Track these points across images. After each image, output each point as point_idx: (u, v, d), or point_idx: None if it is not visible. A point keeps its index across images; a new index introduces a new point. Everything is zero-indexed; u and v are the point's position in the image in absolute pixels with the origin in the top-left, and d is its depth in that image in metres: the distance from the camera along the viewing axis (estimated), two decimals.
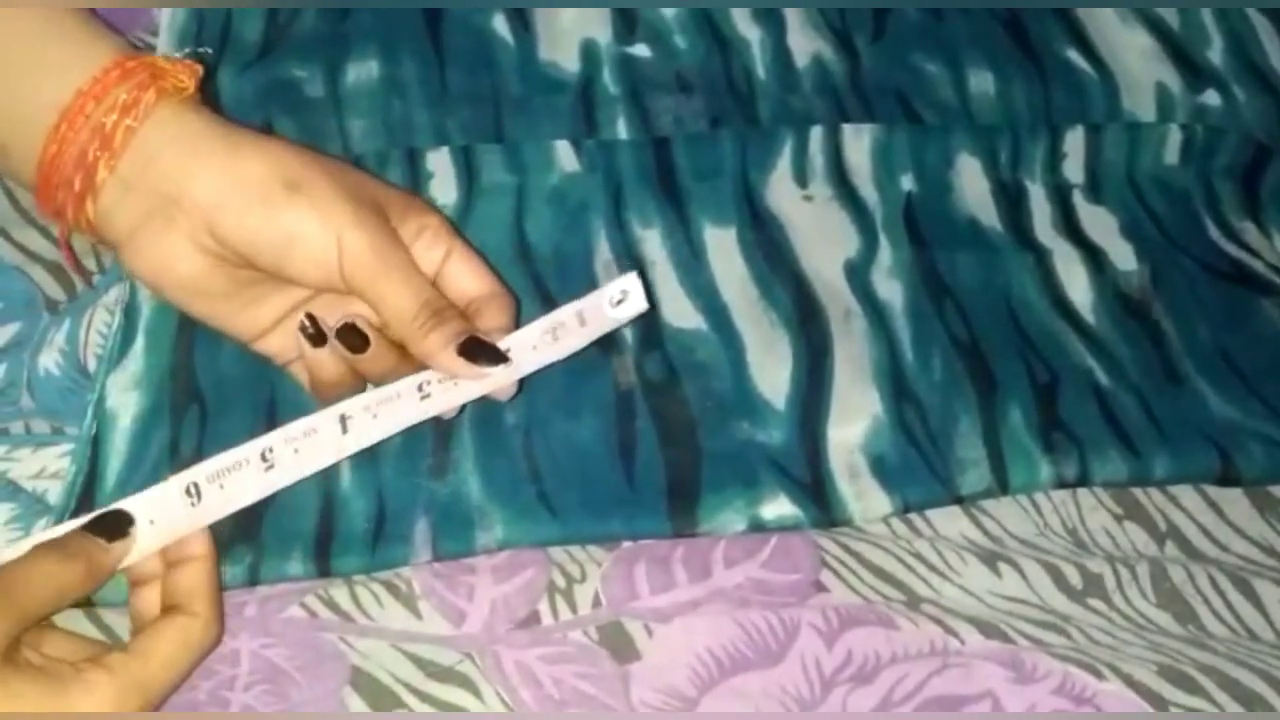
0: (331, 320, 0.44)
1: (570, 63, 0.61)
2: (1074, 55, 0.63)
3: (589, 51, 0.61)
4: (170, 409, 0.49)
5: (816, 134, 0.57)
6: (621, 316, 0.47)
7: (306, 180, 0.42)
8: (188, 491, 0.42)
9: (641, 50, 0.61)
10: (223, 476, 0.43)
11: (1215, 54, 0.64)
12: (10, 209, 0.54)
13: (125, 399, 0.49)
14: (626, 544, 0.48)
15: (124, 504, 0.42)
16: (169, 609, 0.41)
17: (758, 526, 0.48)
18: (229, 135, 0.43)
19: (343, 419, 0.44)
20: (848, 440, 0.50)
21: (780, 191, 0.57)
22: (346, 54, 0.60)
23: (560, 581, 0.46)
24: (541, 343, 0.46)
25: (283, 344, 0.47)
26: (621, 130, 0.58)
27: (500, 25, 0.62)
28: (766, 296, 0.53)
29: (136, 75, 0.43)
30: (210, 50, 0.52)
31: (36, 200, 0.45)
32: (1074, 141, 0.58)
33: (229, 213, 0.42)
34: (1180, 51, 0.64)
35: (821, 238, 0.55)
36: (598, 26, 0.62)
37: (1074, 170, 0.59)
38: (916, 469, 0.49)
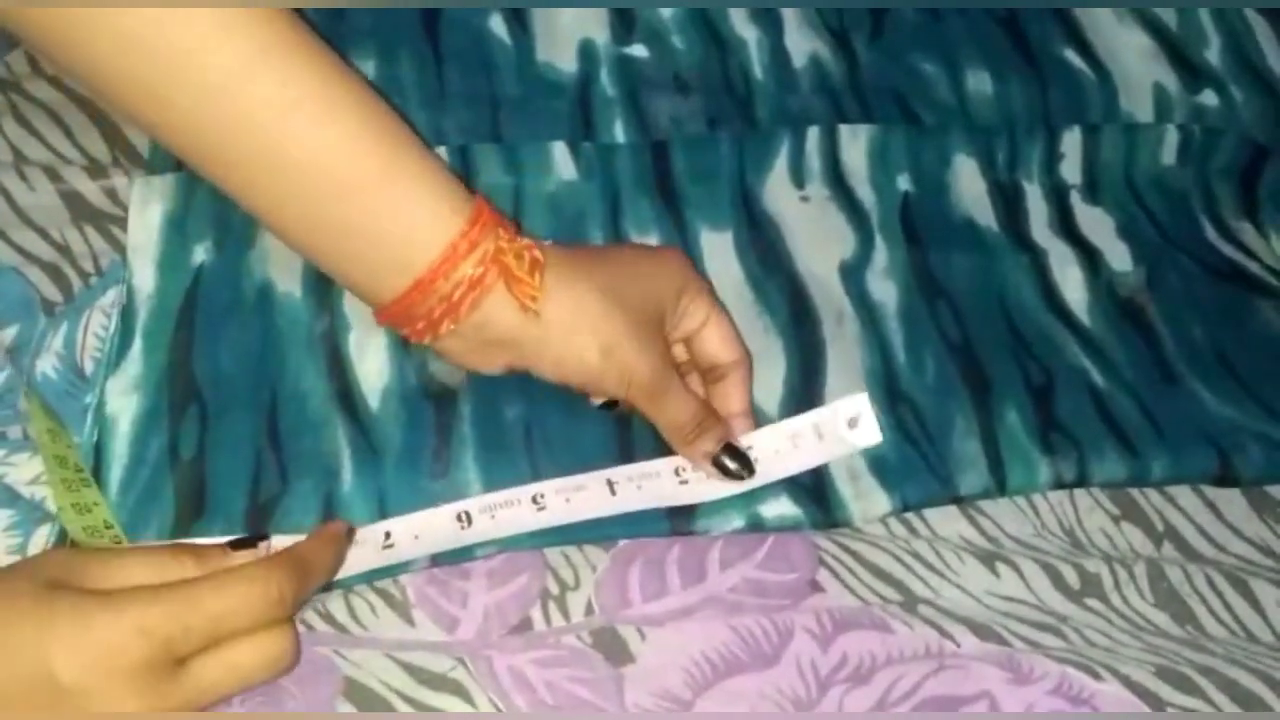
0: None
1: (568, 63, 0.61)
2: (1071, 55, 0.63)
3: (587, 52, 0.61)
4: (169, 411, 0.49)
5: (813, 134, 0.57)
6: (857, 443, 0.49)
7: (616, 346, 0.46)
8: (458, 517, 0.47)
9: (639, 50, 0.61)
10: (495, 509, 0.47)
11: (1213, 54, 0.64)
12: (8, 209, 0.54)
13: (124, 402, 0.49)
14: (623, 542, 0.48)
15: (392, 523, 0.46)
16: None
17: (757, 525, 0.48)
18: (558, 301, 0.46)
19: (610, 483, 0.48)
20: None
21: (777, 193, 0.57)
22: (344, 54, 0.59)
23: (554, 588, 0.46)
24: (784, 448, 0.49)
25: None
26: (619, 132, 0.58)
27: (497, 25, 0.61)
28: (761, 300, 0.53)
29: (481, 246, 0.46)
30: None
31: (375, 313, 0.48)
32: (1071, 142, 0.58)
33: (549, 368, 0.47)
34: (1178, 52, 0.64)
35: (817, 239, 0.55)
36: (595, 27, 0.62)
37: (1071, 171, 0.59)
38: (915, 467, 0.49)
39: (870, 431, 0.49)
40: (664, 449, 0.49)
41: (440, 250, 0.45)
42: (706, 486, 0.48)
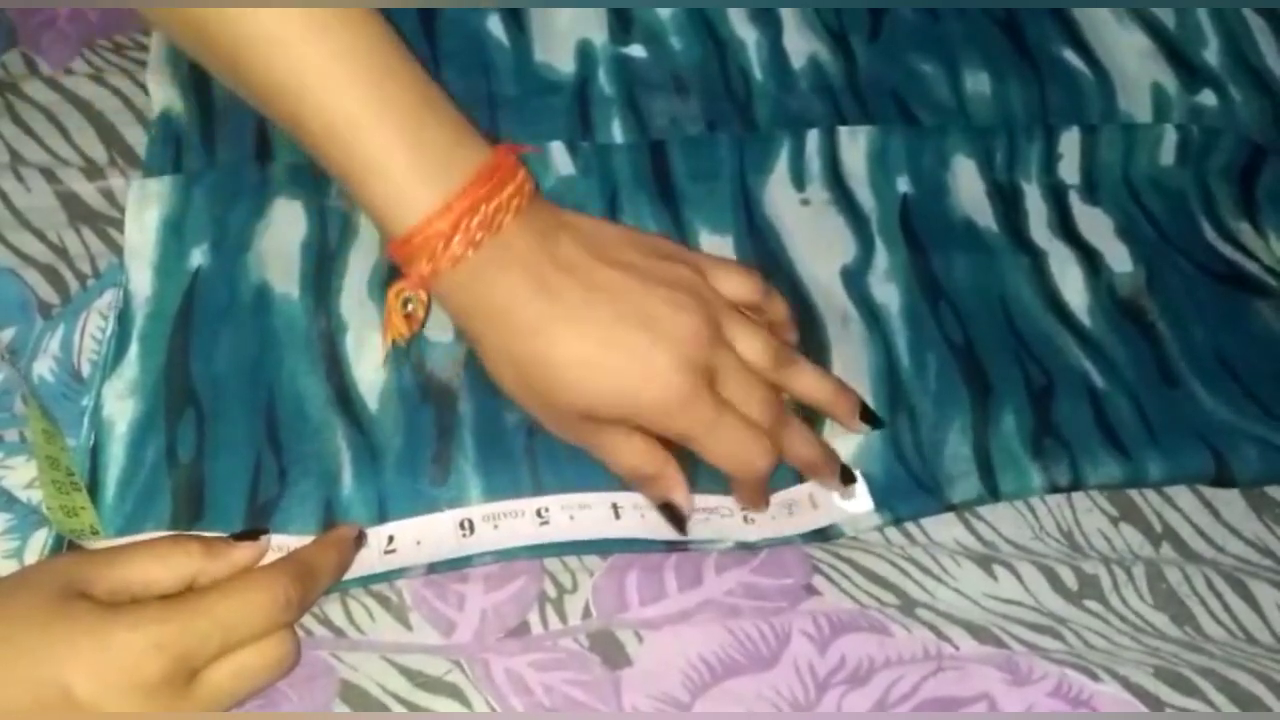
0: None
1: (565, 64, 0.61)
2: (1070, 55, 0.63)
3: (584, 52, 0.61)
4: (166, 414, 0.49)
5: (813, 137, 0.57)
6: (849, 510, 0.49)
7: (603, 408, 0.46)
8: (461, 525, 0.47)
9: (637, 51, 0.61)
10: (498, 519, 0.47)
11: (1211, 54, 0.63)
12: (4, 211, 0.54)
13: (121, 406, 0.49)
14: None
15: (394, 527, 0.46)
16: None
17: (748, 546, 0.48)
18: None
19: (615, 507, 0.48)
20: (839, 455, 0.49)
21: (777, 196, 0.57)
22: None
23: (551, 591, 0.46)
24: (779, 514, 0.49)
25: None
26: (617, 132, 0.58)
27: (495, 26, 0.61)
28: None
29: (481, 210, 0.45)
30: None
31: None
32: (1069, 142, 0.58)
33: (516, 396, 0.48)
34: (1176, 52, 0.63)
35: (818, 244, 0.55)
36: (593, 27, 0.62)
37: (1069, 171, 0.58)
38: (906, 486, 0.49)
39: (863, 500, 0.49)
40: None
41: (405, 231, 0.45)
42: (707, 526, 0.48)
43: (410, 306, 0.46)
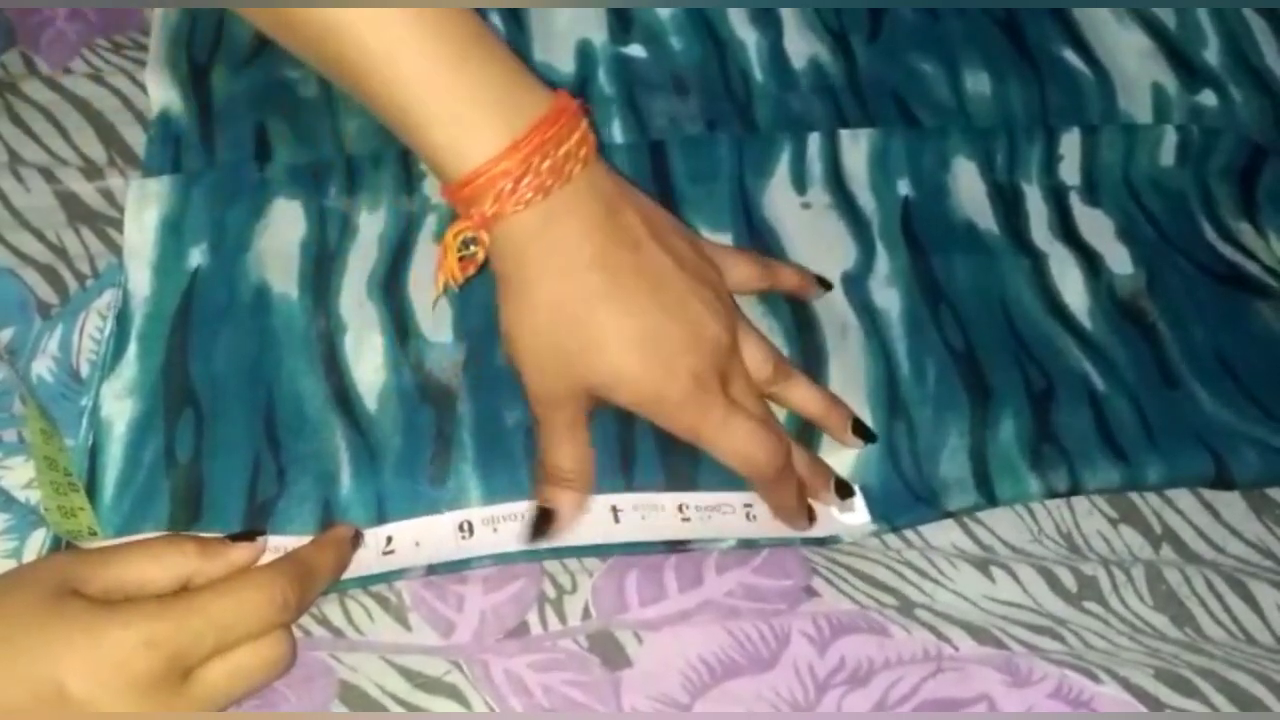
0: None
1: (565, 64, 0.61)
2: (1070, 55, 0.63)
3: (584, 52, 0.61)
4: (164, 414, 0.49)
5: (814, 140, 0.57)
6: (846, 522, 0.49)
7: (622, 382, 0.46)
8: (460, 527, 0.47)
9: (637, 51, 0.61)
10: (497, 522, 0.47)
11: (1212, 54, 0.63)
12: (3, 211, 0.54)
13: (119, 406, 0.49)
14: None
15: (393, 528, 0.46)
16: None
17: (748, 542, 0.48)
18: (517, 319, 0.46)
19: (614, 510, 0.48)
20: (836, 465, 0.49)
21: (778, 199, 0.56)
22: None
23: (551, 592, 0.46)
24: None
25: None
26: (616, 132, 0.58)
27: (495, 26, 0.61)
28: (764, 307, 0.53)
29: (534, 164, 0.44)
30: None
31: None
32: (1070, 143, 0.58)
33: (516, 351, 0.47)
34: (1177, 52, 0.63)
35: (819, 249, 0.55)
36: (593, 27, 0.62)
37: (1070, 172, 0.58)
38: (903, 499, 0.49)
39: (860, 514, 0.49)
40: (668, 478, 0.49)
41: (485, 155, 0.44)
42: (709, 525, 0.48)
43: (471, 249, 0.45)
